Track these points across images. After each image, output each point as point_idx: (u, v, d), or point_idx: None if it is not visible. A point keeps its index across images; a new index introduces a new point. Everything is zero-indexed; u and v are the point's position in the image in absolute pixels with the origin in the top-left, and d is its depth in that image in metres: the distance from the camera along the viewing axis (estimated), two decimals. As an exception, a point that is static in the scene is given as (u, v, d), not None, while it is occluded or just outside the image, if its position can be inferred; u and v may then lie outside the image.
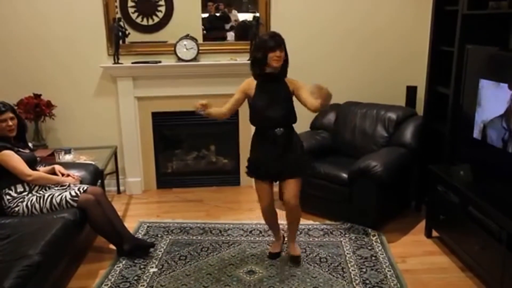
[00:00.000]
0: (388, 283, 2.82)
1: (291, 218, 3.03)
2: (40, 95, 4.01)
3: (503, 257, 2.48)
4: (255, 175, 2.95)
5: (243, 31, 4.22)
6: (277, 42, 2.72)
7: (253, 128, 4.21)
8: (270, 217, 3.08)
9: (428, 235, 3.41)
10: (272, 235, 3.26)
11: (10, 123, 2.97)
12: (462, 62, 3.14)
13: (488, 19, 3.15)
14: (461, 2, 3.16)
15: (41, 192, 3.03)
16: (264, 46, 2.73)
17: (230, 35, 4.33)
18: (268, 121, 2.82)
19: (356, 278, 2.88)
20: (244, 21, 4.28)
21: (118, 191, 4.36)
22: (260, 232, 3.49)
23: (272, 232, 3.22)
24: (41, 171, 3.15)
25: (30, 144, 3.31)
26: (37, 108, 3.94)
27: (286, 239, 3.22)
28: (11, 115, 2.99)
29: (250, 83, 2.86)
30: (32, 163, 3.08)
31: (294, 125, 2.93)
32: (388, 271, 2.96)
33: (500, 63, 2.88)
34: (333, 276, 2.91)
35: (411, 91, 4.05)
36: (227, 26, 4.35)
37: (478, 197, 2.77)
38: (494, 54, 2.96)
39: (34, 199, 2.95)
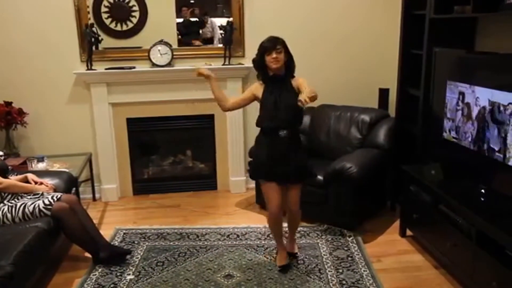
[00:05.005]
0: (364, 282, 2.87)
1: (293, 223, 3.12)
2: (11, 102, 3.93)
3: (473, 253, 2.55)
4: (261, 176, 2.94)
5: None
6: (273, 43, 2.77)
7: (230, 133, 4.30)
8: (278, 223, 2.99)
9: (403, 234, 3.47)
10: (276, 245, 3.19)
11: None
12: (431, 65, 3.22)
13: (454, 23, 3.25)
14: (428, 6, 3.25)
15: (13, 201, 2.97)
16: (261, 49, 2.82)
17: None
18: (275, 122, 2.83)
19: (333, 279, 2.92)
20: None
21: (94, 199, 4.31)
22: (238, 236, 3.50)
23: (276, 240, 3.11)
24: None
25: (0, 152, 3.25)
26: (8, 116, 3.87)
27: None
28: None
29: (258, 87, 2.89)
30: (2, 172, 3.03)
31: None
32: (364, 271, 3.00)
33: (467, 65, 2.97)
34: (310, 277, 2.93)
35: (384, 93, 4.13)
36: (202, 31, 4.37)
37: (449, 195, 2.84)
38: (461, 57, 3.05)
39: (6, 209, 2.89)
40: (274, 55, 2.76)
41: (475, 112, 2.77)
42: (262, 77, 2.88)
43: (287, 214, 3.06)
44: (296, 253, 3.20)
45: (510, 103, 2.48)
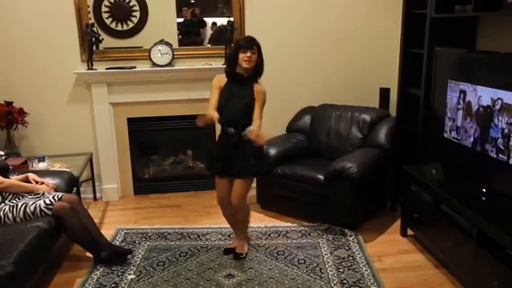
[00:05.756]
0: (365, 282, 2.86)
1: (236, 218, 3.18)
2: (12, 102, 3.93)
3: (474, 253, 2.55)
4: (210, 169, 3.14)
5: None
6: (249, 43, 2.87)
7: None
8: (226, 211, 3.19)
9: (403, 233, 3.47)
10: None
11: None
12: (432, 64, 3.22)
13: (455, 22, 3.25)
14: (429, 5, 3.25)
15: (14, 201, 2.97)
16: (237, 45, 2.92)
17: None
18: (224, 118, 2.93)
19: (334, 278, 2.92)
20: (219, 26, 4.32)
21: (95, 198, 4.31)
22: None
23: (232, 228, 3.32)
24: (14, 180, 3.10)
25: (1, 152, 3.25)
26: (9, 116, 3.87)
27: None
28: None
29: (220, 80, 2.98)
30: (3, 171, 3.03)
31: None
32: (365, 270, 3.00)
33: (468, 64, 2.97)
34: (311, 277, 2.93)
35: (384, 93, 4.13)
36: (202, 31, 4.37)
37: (450, 195, 2.83)
38: (462, 56, 3.05)
39: (7, 208, 2.89)
40: (248, 54, 2.85)
41: (476, 111, 2.77)
42: (229, 72, 2.95)
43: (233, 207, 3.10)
44: (242, 254, 3.15)
45: (499, 98, 2.51)
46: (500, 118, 2.52)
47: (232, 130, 2.92)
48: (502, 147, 2.54)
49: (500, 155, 2.56)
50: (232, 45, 4.06)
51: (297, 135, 4.08)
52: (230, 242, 3.32)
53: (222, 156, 2.98)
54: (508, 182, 2.56)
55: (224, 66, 4.03)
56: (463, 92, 2.88)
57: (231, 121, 2.92)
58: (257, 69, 2.93)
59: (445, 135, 3.11)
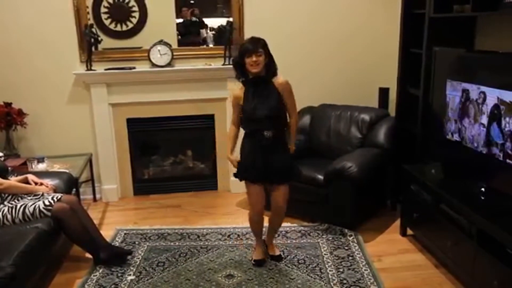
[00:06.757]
0: (365, 281, 2.87)
1: (277, 222, 3.11)
2: (11, 103, 3.93)
3: (474, 252, 2.55)
4: (246, 178, 2.93)
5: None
6: (254, 46, 2.72)
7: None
8: (258, 220, 3.04)
9: (403, 233, 3.47)
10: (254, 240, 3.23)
11: None
12: (431, 64, 3.22)
13: (454, 22, 3.26)
14: (427, 5, 3.25)
15: (13, 202, 2.97)
16: (241, 50, 2.77)
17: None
18: (256, 124, 2.82)
19: (334, 278, 2.92)
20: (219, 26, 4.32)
21: (94, 199, 4.31)
22: (238, 236, 3.50)
23: (257, 237, 3.14)
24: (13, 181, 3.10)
25: (0, 153, 3.25)
26: (8, 117, 3.87)
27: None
28: None
29: (238, 95, 2.86)
30: (2, 173, 3.03)
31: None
32: (364, 270, 3.00)
33: (467, 64, 2.97)
34: (311, 277, 2.93)
35: (384, 93, 4.12)
36: (202, 31, 4.37)
37: (449, 194, 2.83)
38: (461, 56, 3.05)
39: (6, 210, 2.88)
40: (254, 58, 2.71)
41: (478, 112, 2.75)
42: (242, 78, 2.85)
43: (273, 212, 3.03)
44: (280, 255, 3.17)
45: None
46: (507, 119, 2.49)
47: (269, 133, 2.80)
48: (509, 151, 2.48)
49: (507, 160, 2.50)
50: (232, 46, 4.07)
51: (296, 135, 4.07)
52: (254, 253, 3.14)
53: (258, 163, 2.83)
54: (509, 181, 2.55)
55: (224, 66, 4.07)
56: (465, 92, 2.85)
57: (266, 125, 2.80)
58: (269, 67, 2.80)
59: (447, 136, 3.09)
